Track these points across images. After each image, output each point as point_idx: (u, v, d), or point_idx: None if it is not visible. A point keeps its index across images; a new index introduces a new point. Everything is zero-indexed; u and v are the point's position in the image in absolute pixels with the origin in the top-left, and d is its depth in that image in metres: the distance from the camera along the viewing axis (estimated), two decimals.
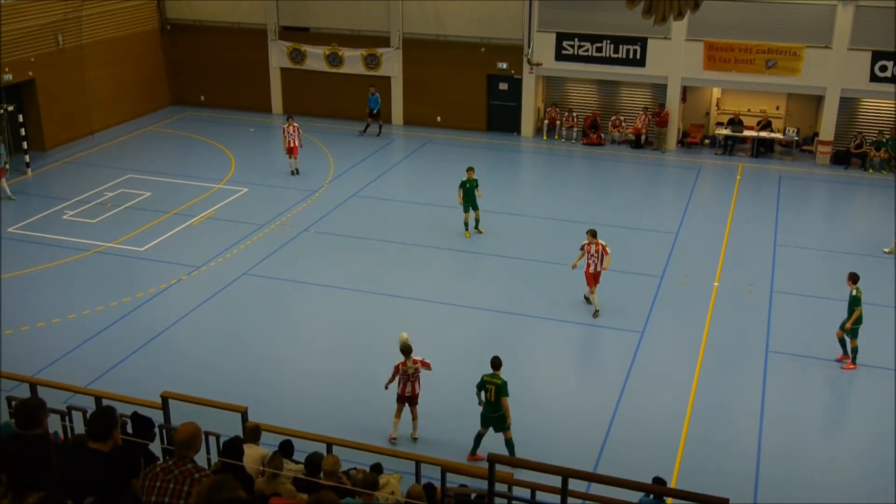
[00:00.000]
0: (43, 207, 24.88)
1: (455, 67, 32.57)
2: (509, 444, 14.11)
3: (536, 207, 25.72)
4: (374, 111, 32.49)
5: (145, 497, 6.51)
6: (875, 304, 19.56)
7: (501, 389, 13.87)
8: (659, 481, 11.50)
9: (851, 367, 16.93)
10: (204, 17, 35.26)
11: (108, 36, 32.53)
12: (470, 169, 22.82)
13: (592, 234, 18.96)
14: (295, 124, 27.43)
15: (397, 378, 14.57)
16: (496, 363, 14.15)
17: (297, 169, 27.80)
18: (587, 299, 19.25)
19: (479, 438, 14.29)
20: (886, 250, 22.38)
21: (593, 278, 18.85)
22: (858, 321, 16.68)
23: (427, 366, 14.64)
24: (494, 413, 13.97)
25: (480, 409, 14.18)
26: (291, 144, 27.29)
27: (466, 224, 23.14)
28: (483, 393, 14.04)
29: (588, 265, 18.81)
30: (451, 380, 16.75)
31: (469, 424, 15.14)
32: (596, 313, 18.90)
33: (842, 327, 16.93)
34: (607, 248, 18.85)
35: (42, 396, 9.51)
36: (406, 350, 14.49)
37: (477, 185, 22.75)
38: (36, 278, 20.64)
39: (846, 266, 21.46)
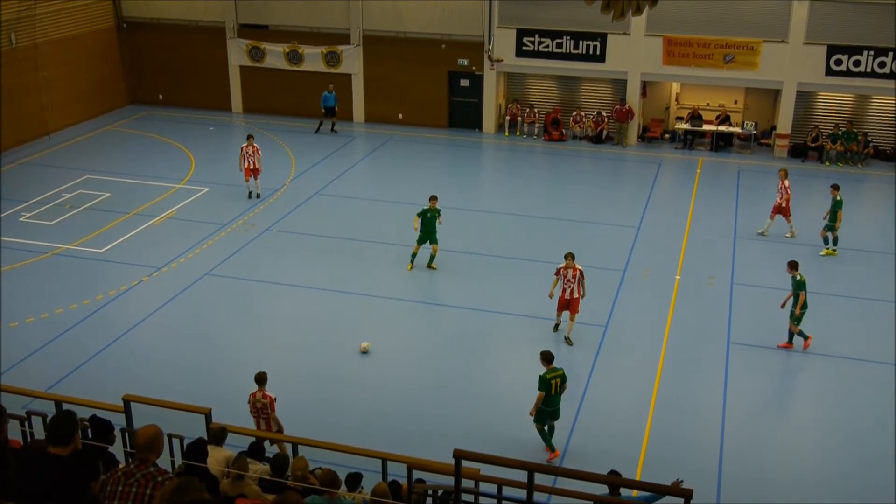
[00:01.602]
0: None
1: (416, 64, 32.53)
2: (552, 430, 14.34)
3: (499, 203, 25.78)
4: (332, 108, 32.31)
5: (108, 502, 6.43)
6: (834, 294, 19.95)
7: (565, 378, 14.10)
8: (614, 474, 11.57)
9: (789, 346, 17.47)
10: (161, 15, 34.87)
11: (63, 35, 32.06)
12: (433, 198, 20.86)
13: (571, 257, 17.38)
14: (255, 145, 25.26)
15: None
16: (551, 357, 14.07)
17: (258, 193, 25.58)
18: (557, 327, 18.12)
19: (550, 434, 14.33)
20: (760, 231, 23.22)
21: (567, 305, 17.57)
22: (804, 307, 17.13)
23: (272, 406, 13.34)
24: (556, 405, 14.10)
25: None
26: (251, 166, 25.06)
27: (414, 256, 21.02)
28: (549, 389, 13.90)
29: (564, 290, 17.48)
30: (416, 377, 16.77)
31: (433, 422, 15.16)
32: (569, 340, 17.74)
33: (792, 317, 17.34)
34: (584, 273, 17.50)
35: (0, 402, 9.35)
36: (259, 379, 13.48)
37: (439, 214, 20.76)
38: None
39: (805, 258, 21.85)
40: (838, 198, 21.77)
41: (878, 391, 16.16)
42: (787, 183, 22.57)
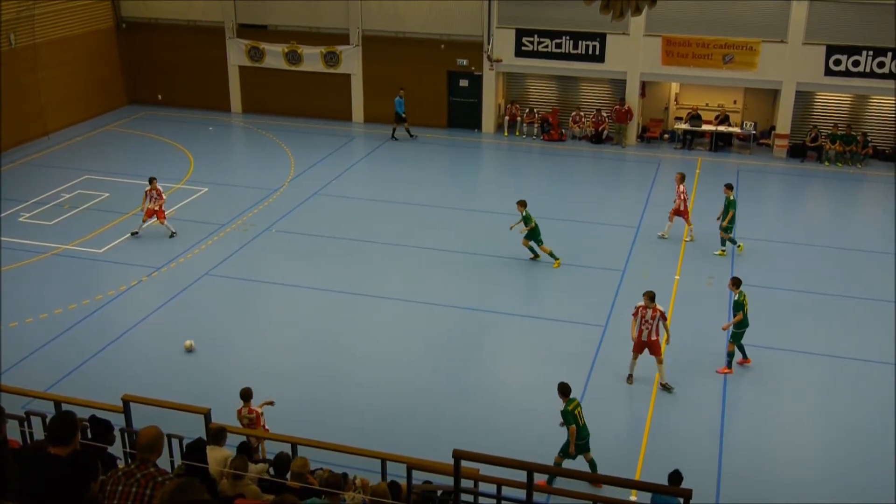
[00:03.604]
0: None
1: (415, 64, 32.51)
2: (593, 465, 13.67)
3: (498, 203, 25.73)
4: (400, 114, 31.58)
5: (108, 502, 6.43)
6: (834, 294, 19.96)
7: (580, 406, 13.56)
8: (677, 474, 11.62)
9: (728, 371, 16.79)
10: (160, 15, 34.85)
11: (62, 35, 32.04)
12: (519, 203, 21.06)
13: (650, 297, 16.03)
14: (158, 187, 22.71)
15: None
16: (568, 389, 13.40)
17: (172, 232, 22.97)
18: (631, 378, 16.49)
19: (593, 468, 13.64)
20: (660, 234, 23.12)
21: (644, 347, 16.23)
22: (744, 325, 16.60)
23: (259, 421, 13.18)
24: (588, 436, 13.50)
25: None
26: (156, 207, 22.55)
27: (550, 254, 21.19)
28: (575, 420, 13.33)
29: (641, 332, 16.11)
30: (416, 377, 16.77)
31: (432, 422, 15.15)
32: (667, 386, 16.20)
33: (732, 338, 16.72)
34: (664, 314, 16.17)
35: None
36: (244, 395, 13.34)
37: (525, 220, 20.90)
38: None
39: (804, 258, 21.92)
40: (731, 197, 21.77)
41: (878, 391, 16.16)
42: (681, 188, 22.57)
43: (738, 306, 16.57)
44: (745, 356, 16.98)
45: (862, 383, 16.52)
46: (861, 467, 14.14)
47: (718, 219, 22.05)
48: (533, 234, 21.11)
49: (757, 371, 16.92)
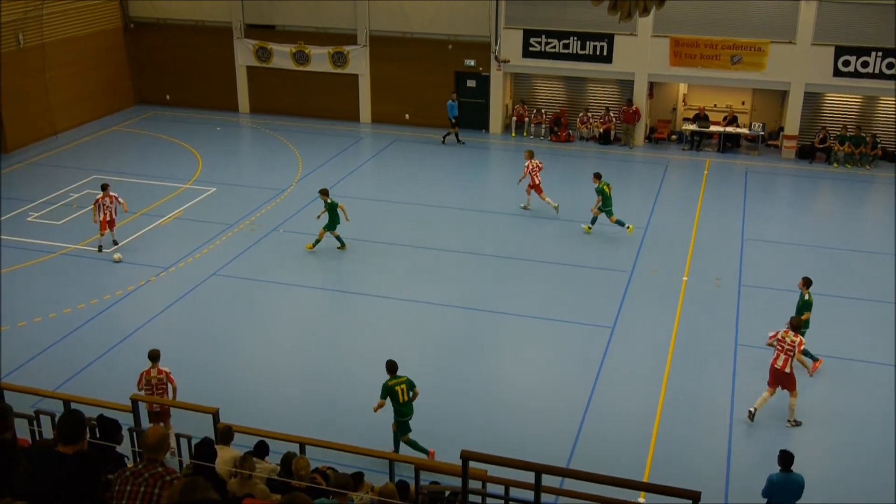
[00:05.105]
0: (6, 209, 24.45)
1: (422, 65, 32.52)
2: (409, 442, 14.07)
3: (505, 204, 25.74)
4: (455, 117, 31.18)
5: (116, 502, 6.45)
6: (837, 295, 19.89)
7: (412, 385, 13.95)
8: (787, 454, 11.70)
9: (818, 362, 16.81)
10: (167, 15, 34.92)
11: (70, 35, 32.12)
12: (322, 192, 21.80)
13: (797, 324, 14.76)
14: (112, 194, 21.83)
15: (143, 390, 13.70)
16: (394, 367, 13.98)
17: (114, 240, 22.27)
18: (795, 419, 15.16)
19: (415, 444, 14.05)
20: (522, 205, 25.07)
21: (779, 379, 14.87)
22: (805, 325, 16.48)
23: (171, 381, 13.85)
24: (408, 415, 13.94)
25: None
26: (108, 217, 21.68)
27: (317, 242, 21.86)
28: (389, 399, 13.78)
29: (776, 358, 14.85)
30: (423, 378, 16.74)
31: (440, 423, 15.15)
32: (795, 422, 15.19)
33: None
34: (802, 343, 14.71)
35: (8, 401, 9.37)
36: (153, 356, 13.83)
37: (330, 209, 21.55)
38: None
39: (813, 259, 21.85)
40: (598, 185, 22.98)
41: (879, 392, 16.11)
42: (533, 163, 24.33)
43: (808, 306, 16.63)
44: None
45: (864, 384, 16.45)
46: (862, 468, 14.10)
47: (596, 207, 23.35)
48: (331, 223, 21.68)
49: (762, 372, 16.84)
